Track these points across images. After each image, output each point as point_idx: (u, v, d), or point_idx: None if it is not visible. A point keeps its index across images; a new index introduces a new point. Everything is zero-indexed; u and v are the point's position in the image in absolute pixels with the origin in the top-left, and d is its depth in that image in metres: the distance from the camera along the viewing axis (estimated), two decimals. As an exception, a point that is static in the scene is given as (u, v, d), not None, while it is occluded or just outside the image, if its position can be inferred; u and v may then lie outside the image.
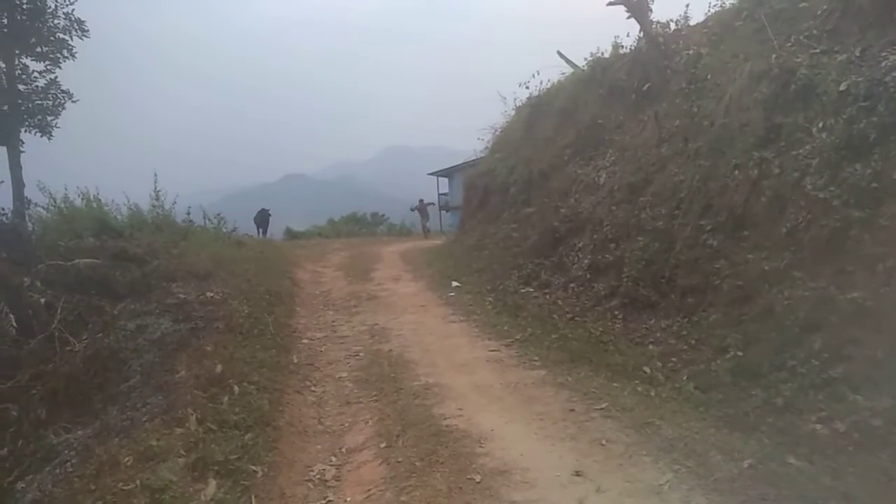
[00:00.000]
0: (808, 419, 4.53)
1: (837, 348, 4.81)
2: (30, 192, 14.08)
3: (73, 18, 15.00)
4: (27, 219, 12.72)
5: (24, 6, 14.46)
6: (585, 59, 12.96)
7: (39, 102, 15.03)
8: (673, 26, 10.64)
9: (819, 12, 6.96)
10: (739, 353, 5.66)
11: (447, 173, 34.57)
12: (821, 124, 5.99)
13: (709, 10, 10.14)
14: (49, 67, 15.10)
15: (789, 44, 7.08)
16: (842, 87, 5.87)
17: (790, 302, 5.45)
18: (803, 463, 4.14)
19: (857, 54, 6.08)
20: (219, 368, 6.13)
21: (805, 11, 7.21)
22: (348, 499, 4.36)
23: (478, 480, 4.30)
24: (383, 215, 38.35)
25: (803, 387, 4.82)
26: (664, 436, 4.79)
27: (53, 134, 15.38)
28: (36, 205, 13.65)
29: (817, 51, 6.62)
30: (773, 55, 7.04)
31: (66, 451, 4.99)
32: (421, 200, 30.31)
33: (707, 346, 6.15)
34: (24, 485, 4.81)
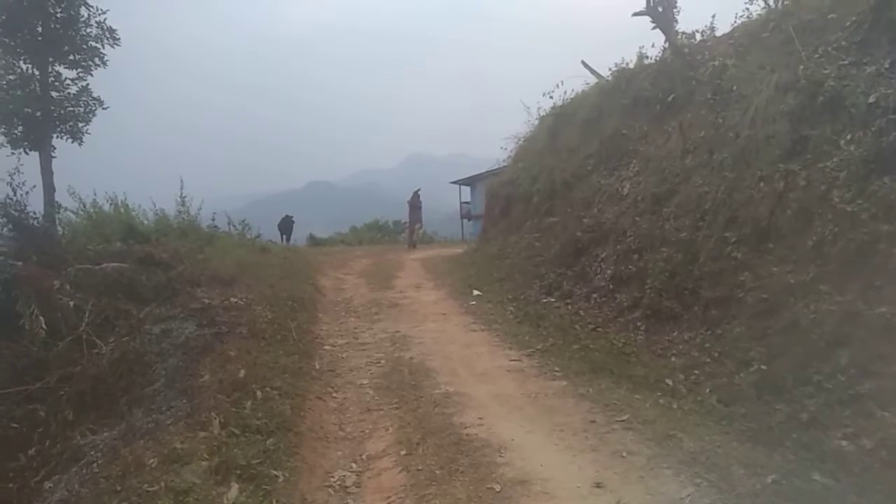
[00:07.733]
0: (834, 435, 4.46)
1: (865, 364, 4.73)
2: (60, 196, 14.43)
3: (105, 27, 15.42)
4: (57, 223, 12.97)
5: (58, 15, 14.88)
6: (610, 68, 12.92)
7: (71, 109, 15.45)
8: (699, 37, 10.60)
9: (848, 24, 6.86)
10: (763, 367, 5.59)
11: (469, 182, 34.59)
12: (849, 137, 5.92)
13: (735, 21, 10.04)
14: (81, 75, 15.53)
15: (817, 55, 6.99)
16: (871, 100, 5.80)
17: (816, 316, 5.37)
18: (828, 480, 4.08)
19: (887, 66, 5.99)
20: (242, 373, 6.17)
21: (834, 23, 7.11)
22: (368, 505, 4.38)
23: (497, 490, 4.29)
24: (405, 223, 38.31)
25: (829, 402, 4.74)
26: (686, 449, 4.74)
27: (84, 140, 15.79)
28: (66, 209, 13.94)
29: (846, 62, 6.53)
30: (801, 66, 6.96)
31: (93, 452, 5.06)
32: (415, 192, 23.36)
33: (730, 359, 6.08)
34: (51, 484, 4.90)
